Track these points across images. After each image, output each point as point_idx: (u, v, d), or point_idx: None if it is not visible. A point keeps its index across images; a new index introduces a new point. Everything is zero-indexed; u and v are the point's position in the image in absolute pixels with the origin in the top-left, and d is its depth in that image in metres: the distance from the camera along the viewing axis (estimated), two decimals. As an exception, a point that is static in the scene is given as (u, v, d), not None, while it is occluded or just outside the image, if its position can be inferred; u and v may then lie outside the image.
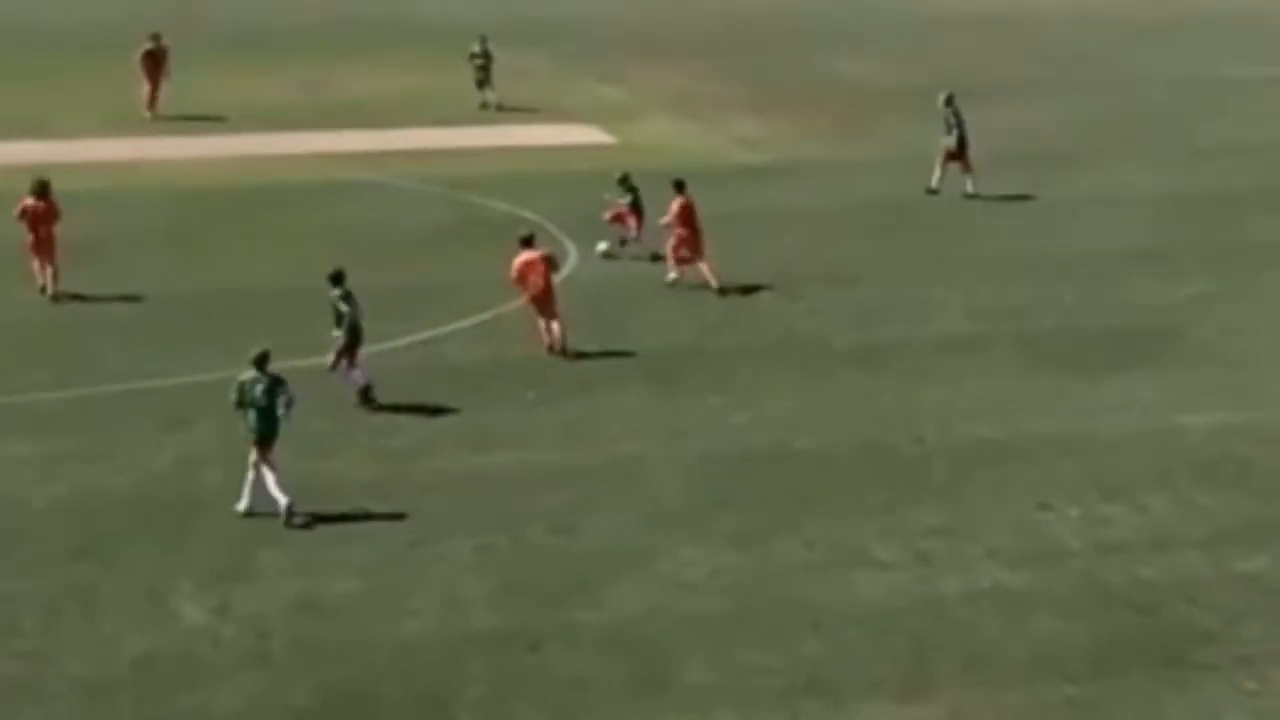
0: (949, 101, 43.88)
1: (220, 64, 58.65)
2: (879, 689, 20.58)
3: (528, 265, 31.61)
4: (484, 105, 53.58)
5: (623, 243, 37.61)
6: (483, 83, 53.91)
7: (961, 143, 43.39)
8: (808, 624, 22.02)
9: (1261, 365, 31.56)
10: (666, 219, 35.68)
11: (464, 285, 35.24)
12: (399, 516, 25.04)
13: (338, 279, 29.41)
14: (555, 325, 31.61)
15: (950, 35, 68.49)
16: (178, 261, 37.23)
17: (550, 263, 32.26)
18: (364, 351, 29.37)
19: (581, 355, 31.65)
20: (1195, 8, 72.59)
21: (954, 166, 43.47)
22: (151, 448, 27.44)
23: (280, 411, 25.00)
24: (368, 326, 29.22)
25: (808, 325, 33.67)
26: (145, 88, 51.38)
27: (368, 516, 25.05)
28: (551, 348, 31.55)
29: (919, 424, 28.70)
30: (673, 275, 35.68)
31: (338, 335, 29.20)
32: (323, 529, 24.62)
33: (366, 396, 29.23)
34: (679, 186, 35.86)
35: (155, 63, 51.43)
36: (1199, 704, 20.32)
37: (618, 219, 37.57)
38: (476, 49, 53.97)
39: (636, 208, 37.39)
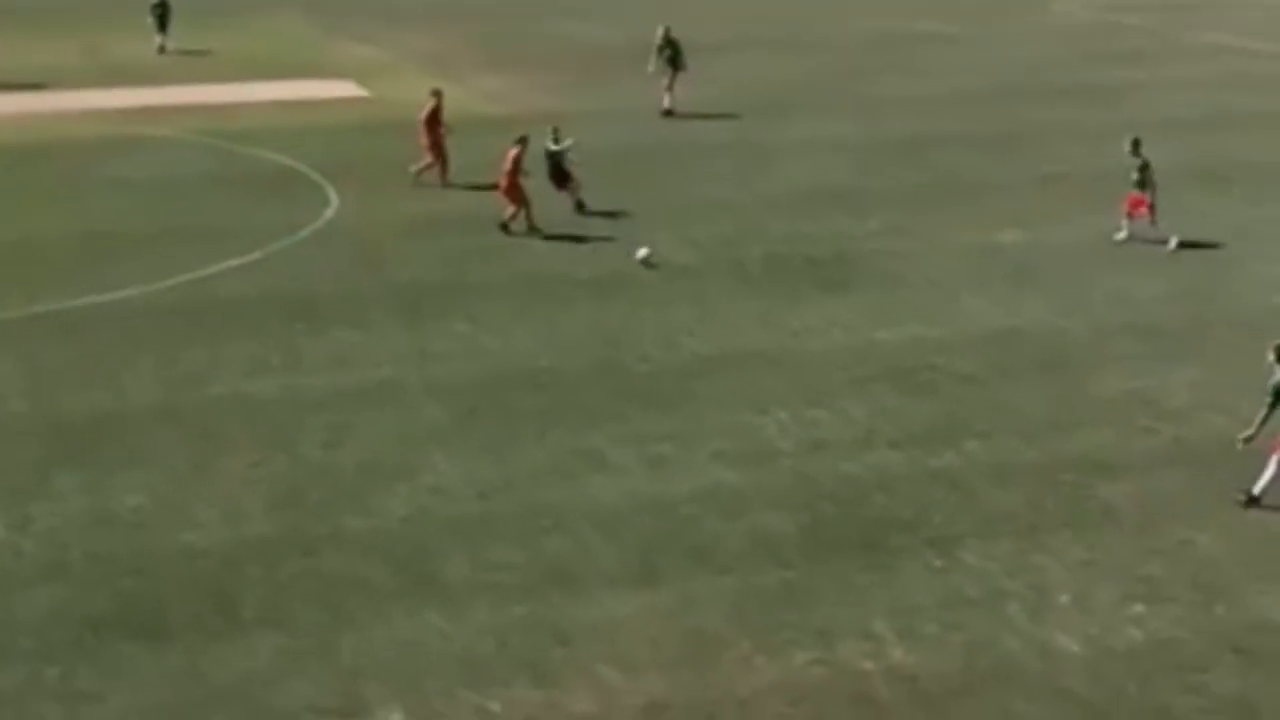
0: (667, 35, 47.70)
1: None
2: (615, 580, 20.90)
3: None
4: (161, 49, 56.26)
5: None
6: (160, 30, 56.58)
7: (675, 66, 47.28)
8: (551, 524, 22.29)
9: (943, 287, 32.38)
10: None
11: (235, 228, 34.96)
12: (182, 438, 24.87)
13: None
14: None
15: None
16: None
17: None
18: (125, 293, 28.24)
19: (346, 291, 31.65)
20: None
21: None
22: (-50, 381, 26.92)
23: None
24: (148, 265, 28.73)
25: (550, 259, 33.89)
26: None
27: (153, 439, 24.86)
28: None
29: (647, 344, 29.09)
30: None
31: None
32: (112, 451, 24.39)
33: None
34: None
35: None
36: (895, 582, 20.89)
37: None
38: (155, 1, 56.85)
39: None
